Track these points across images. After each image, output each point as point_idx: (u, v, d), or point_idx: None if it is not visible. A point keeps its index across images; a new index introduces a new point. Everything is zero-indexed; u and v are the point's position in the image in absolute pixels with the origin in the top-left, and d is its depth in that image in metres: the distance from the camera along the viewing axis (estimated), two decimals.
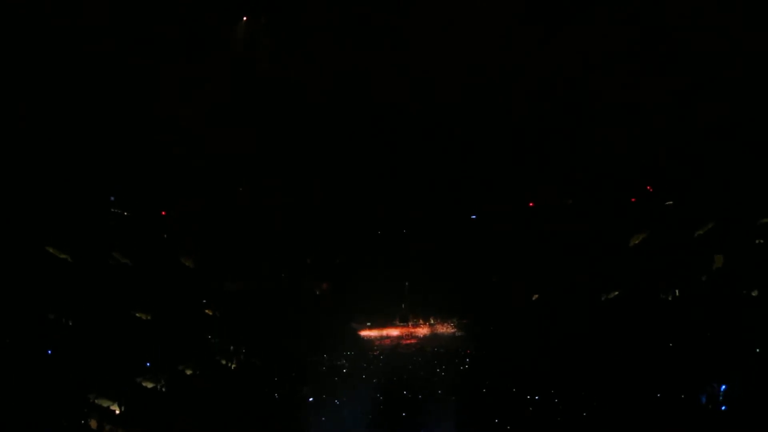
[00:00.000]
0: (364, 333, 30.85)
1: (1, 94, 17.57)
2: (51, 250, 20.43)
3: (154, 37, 18.28)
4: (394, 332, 30.95)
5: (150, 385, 22.31)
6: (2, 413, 17.40)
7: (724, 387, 21.24)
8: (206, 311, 26.00)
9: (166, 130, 21.23)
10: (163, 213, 23.92)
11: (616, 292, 24.96)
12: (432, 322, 30.91)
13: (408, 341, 30.48)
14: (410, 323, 30.81)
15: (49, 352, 19.28)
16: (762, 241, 21.69)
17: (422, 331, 30.72)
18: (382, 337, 30.84)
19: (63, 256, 20.71)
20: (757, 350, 20.14)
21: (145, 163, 21.74)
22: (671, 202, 23.81)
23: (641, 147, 22.26)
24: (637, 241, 24.45)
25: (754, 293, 21.24)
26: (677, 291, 23.73)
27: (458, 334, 30.12)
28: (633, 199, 24.46)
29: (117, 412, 20.88)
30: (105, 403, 20.70)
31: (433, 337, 30.50)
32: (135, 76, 19.19)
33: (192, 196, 23.84)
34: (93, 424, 20.26)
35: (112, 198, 22.23)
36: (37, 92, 18.41)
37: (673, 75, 20.07)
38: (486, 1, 19.89)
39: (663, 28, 19.14)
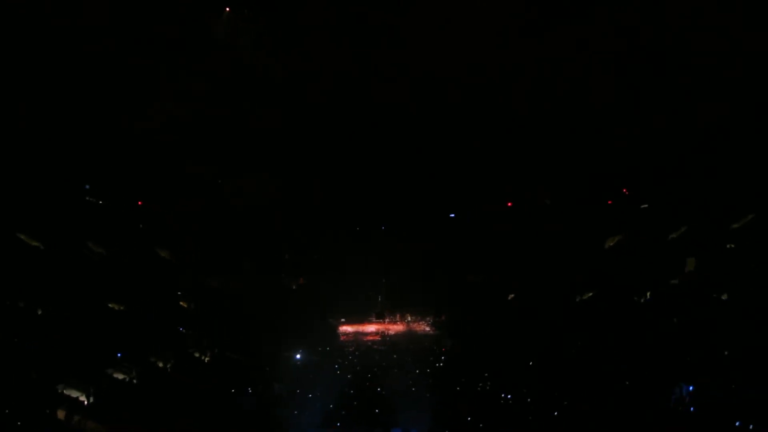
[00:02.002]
0: (340, 329, 30.82)
1: None
2: (22, 237, 20.09)
3: (153, 35, 18.11)
4: (370, 329, 30.97)
5: (121, 377, 22.03)
6: None
7: (691, 388, 21.54)
8: (181, 303, 25.73)
9: (152, 122, 21.02)
10: (140, 203, 23.64)
11: (591, 293, 25.20)
12: (408, 319, 30.96)
13: (383, 338, 30.49)
14: (386, 320, 30.84)
15: (17, 340, 18.93)
16: (733, 245, 22.02)
17: (398, 328, 30.78)
18: (357, 334, 30.83)
19: (35, 243, 20.37)
20: (726, 353, 20.43)
21: (123, 153, 21.47)
22: (646, 205, 24.09)
23: (618, 150, 22.50)
24: (612, 243, 24.71)
25: (724, 296, 21.56)
26: (649, 293, 24.02)
27: (434, 332, 30.23)
28: (609, 201, 24.72)
29: (86, 402, 20.59)
30: (74, 394, 20.41)
31: (409, 335, 30.55)
32: (127, 71, 19.00)
33: (173, 189, 23.59)
34: (61, 414, 19.95)
35: (87, 186, 21.92)
36: (21, 84, 18.16)
37: (654, 79, 20.29)
38: (481, 1, 19.93)
39: (646, 32, 19.35)
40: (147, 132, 20.63)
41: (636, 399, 22.27)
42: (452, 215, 26.90)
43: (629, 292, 24.36)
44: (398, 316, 31.22)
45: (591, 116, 22.03)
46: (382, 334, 30.73)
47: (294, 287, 28.73)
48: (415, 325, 30.87)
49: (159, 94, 20.00)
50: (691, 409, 21.24)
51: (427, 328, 30.68)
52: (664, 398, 21.94)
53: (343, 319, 30.85)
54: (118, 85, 18.86)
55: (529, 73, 20.80)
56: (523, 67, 20.51)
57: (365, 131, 23.63)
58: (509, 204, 25.80)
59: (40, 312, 20.59)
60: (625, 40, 18.54)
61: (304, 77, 20.70)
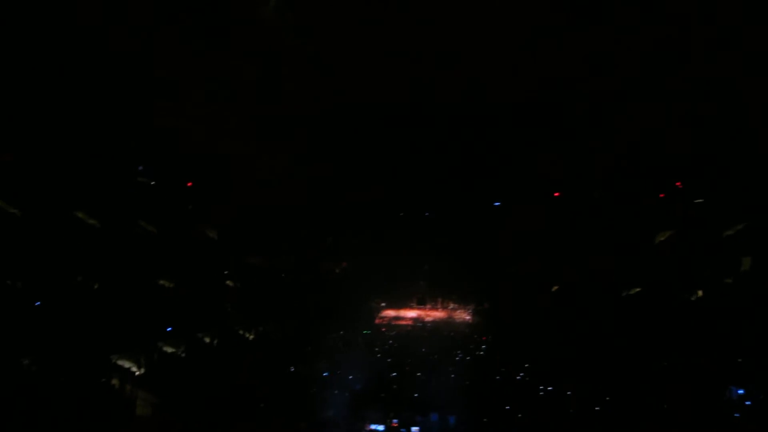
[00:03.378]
0: (381, 313, 31.07)
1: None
2: (80, 216, 21.06)
3: (198, 19, 18.39)
4: (410, 314, 31.09)
5: (170, 350, 23.03)
6: (29, 369, 18.22)
7: (741, 391, 20.86)
8: (227, 282, 26.51)
9: (189, 106, 21.48)
10: (189, 184, 24.32)
11: (638, 289, 24.47)
12: (449, 306, 30.91)
13: (424, 324, 30.59)
14: (427, 306, 30.89)
15: (75, 313, 19.97)
16: None
17: (439, 314, 30.78)
18: (398, 318, 31.01)
19: (92, 221, 21.33)
20: None
21: (172, 136, 22.07)
22: (701, 200, 23.04)
23: (673, 142, 21.52)
24: (663, 238, 23.81)
25: None
26: (701, 291, 23.12)
27: (475, 319, 30.11)
28: (662, 195, 23.75)
29: (137, 373, 21.65)
30: (126, 364, 21.49)
31: (450, 321, 30.54)
32: (171, 56, 19.43)
33: (219, 171, 24.11)
34: (115, 383, 21.11)
35: (140, 168, 22.70)
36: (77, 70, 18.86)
37: (711, 68, 19.24)
38: None
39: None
40: (193, 116, 21.09)
41: (682, 399, 21.72)
42: (497, 203, 26.47)
43: (679, 290, 23.53)
44: (439, 302, 31.17)
45: (644, 106, 21.10)
46: (423, 320, 30.82)
47: (336, 270, 29.07)
48: (457, 312, 30.78)
49: (205, 79, 20.35)
50: (739, 413, 20.63)
51: (469, 316, 30.54)
52: (711, 400, 21.34)
53: (383, 304, 31.06)
54: (165, 70, 19.31)
55: (580, 58, 20.04)
56: (572, 52, 19.77)
57: (409, 113, 23.41)
58: (556, 194, 25.16)
59: (96, 286, 21.63)
60: (675, 27, 17.58)
61: (354, 58, 20.60)
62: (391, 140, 24.45)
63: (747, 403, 20.21)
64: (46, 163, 19.94)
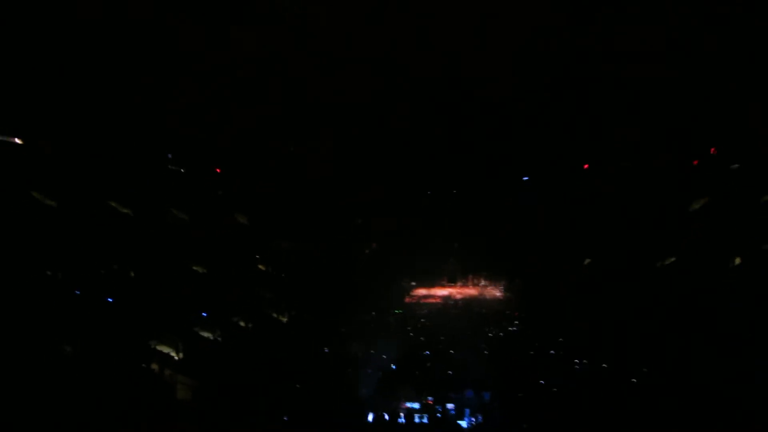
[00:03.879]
0: (412, 292, 31.09)
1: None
2: (114, 205, 21.43)
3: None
4: (441, 292, 31.03)
5: (206, 335, 23.41)
6: (70, 355, 18.67)
7: None
8: (259, 266, 26.78)
9: (219, 94, 21.58)
10: (218, 170, 24.54)
11: (673, 259, 24.05)
12: (480, 283, 30.79)
13: (455, 301, 30.52)
14: (459, 283, 30.80)
15: (111, 300, 20.40)
16: None
17: (470, 291, 30.68)
18: (429, 297, 30.99)
19: (125, 210, 21.69)
20: None
21: (200, 124, 22.26)
22: (737, 165, 22.48)
23: (704, 107, 21.00)
24: (697, 206, 23.32)
25: None
26: (739, 259, 22.64)
27: (507, 295, 29.95)
28: (695, 162, 23.22)
29: (176, 358, 22.06)
30: (165, 350, 21.91)
31: (481, 298, 30.41)
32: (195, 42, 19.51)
33: (246, 156, 24.29)
34: (154, 368, 21.55)
35: (170, 155, 22.96)
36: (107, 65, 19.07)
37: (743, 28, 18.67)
38: None
39: None
40: (220, 102, 21.22)
41: (721, 373, 21.35)
42: (526, 178, 26.19)
43: (716, 258, 23.07)
44: (470, 279, 31.04)
45: (673, 70, 20.60)
46: (454, 298, 30.76)
47: (367, 251, 29.13)
48: (488, 288, 30.65)
49: (234, 64, 20.42)
50: None
51: (500, 292, 30.40)
52: (755, 374, 20.93)
53: (414, 283, 31.05)
54: (190, 59, 19.43)
55: (606, 27, 19.63)
56: (599, 22, 19.37)
57: (435, 95, 23.22)
58: (585, 166, 24.78)
59: (132, 274, 22.05)
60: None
61: (380, 44, 20.50)
62: (418, 120, 24.34)
63: None
64: (80, 155, 20.27)
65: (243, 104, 21.59)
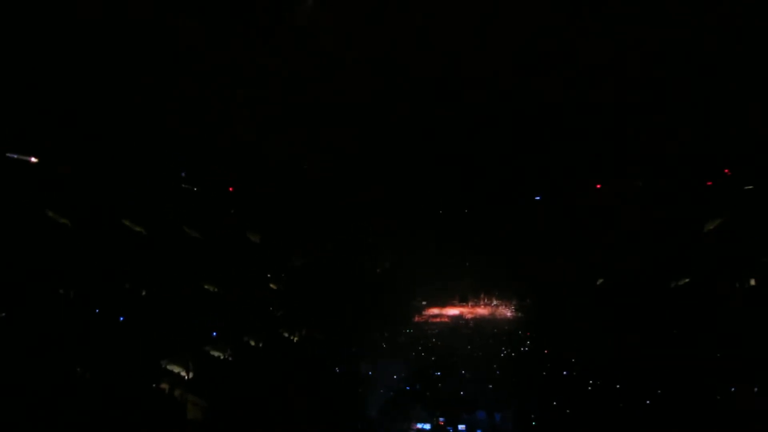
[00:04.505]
0: (424, 311, 30.94)
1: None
2: (127, 223, 21.40)
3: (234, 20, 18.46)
4: (453, 311, 30.87)
5: (217, 354, 23.25)
6: (82, 374, 18.53)
7: None
8: (271, 285, 26.64)
9: (232, 114, 21.62)
10: (231, 189, 24.52)
11: (687, 279, 23.87)
12: (492, 302, 30.63)
13: (467, 321, 30.35)
14: (470, 303, 30.64)
15: (122, 318, 20.29)
16: None
17: (481, 311, 30.52)
18: (441, 316, 30.82)
19: (138, 228, 21.66)
20: None
21: (213, 142, 22.27)
22: (751, 186, 22.37)
23: (719, 128, 20.95)
24: (712, 227, 23.18)
25: None
26: (753, 280, 22.47)
27: (518, 315, 29.78)
28: (709, 183, 23.13)
29: (186, 377, 21.90)
30: (175, 369, 21.75)
31: (493, 318, 30.24)
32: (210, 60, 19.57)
33: (261, 175, 24.24)
34: (164, 387, 21.37)
35: (183, 174, 22.95)
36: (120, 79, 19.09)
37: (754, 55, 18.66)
38: None
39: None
40: (232, 120, 21.22)
41: (735, 393, 21.16)
42: (538, 198, 26.12)
43: (729, 279, 22.90)
44: (482, 299, 30.91)
45: (687, 90, 20.57)
46: (466, 317, 30.59)
47: (378, 270, 29.03)
48: (500, 309, 30.48)
49: (243, 83, 20.44)
50: None
51: (512, 313, 30.22)
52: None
53: (425, 302, 30.91)
54: (204, 76, 19.43)
55: (621, 44, 19.60)
56: (613, 38, 19.34)
57: (445, 113, 23.20)
58: (598, 186, 24.69)
59: (144, 293, 21.95)
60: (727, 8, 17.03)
61: (387, 57, 20.48)
62: (427, 141, 24.30)
63: None
64: (94, 174, 20.27)
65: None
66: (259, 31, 17.99)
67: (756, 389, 20.48)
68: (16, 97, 17.83)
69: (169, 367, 21.71)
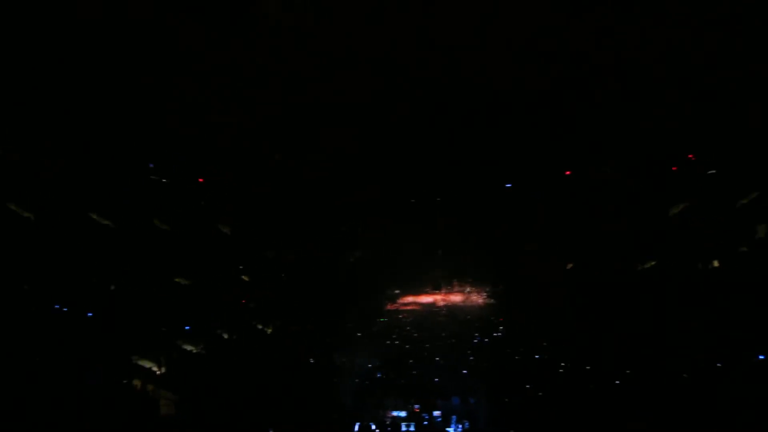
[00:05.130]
0: (398, 300, 31.01)
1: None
2: (94, 217, 20.86)
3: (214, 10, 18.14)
4: (426, 299, 30.99)
5: (190, 348, 22.94)
6: (47, 372, 18.10)
7: (762, 357, 21.05)
8: (243, 277, 26.39)
9: (202, 100, 21.26)
10: (201, 180, 24.09)
11: (653, 263, 24.54)
12: (465, 289, 30.87)
13: (440, 308, 30.55)
14: (443, 291, 30.82)
15: (90, 314, 19.89)
16: None
17: (455, 298, 30.71)
18: (415, 304, 30.93)
19: (105, 222, 21.14)
20: None
21: (181, 131, 21.82)
22: (714, 171, 23.08)
23: (682, 113, 21.52)
24: (677, 211, 23.85)
25: None
26: (717, 262, 23.22)
27: (491, 302, 30.09)
28: (674, 168, 23.76)
29: (158, 373, 21.56)
30: (147, 365, 21.40)
31: (466, 305, 30.48)
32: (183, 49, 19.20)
33: (230, 164, 23.89)
34: (136, 384, 21.01)
35: (151, 165, 22.45)
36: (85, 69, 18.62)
37: (719, 39, 19.22)
38: None
39: None
40: (203, 111, 20.87)
41: (703, 372, 21.89)
42: (509, 185, 26.37)
43: (695, 261, 23.63)
44: (455, 286, 31.10)
45: (653, 78, 21.07)
46: (439, 305, 30.77)
47: (351, 259, 28.97)
48: (473, 295, 30.73)
49: (216, 73, 20.12)
50: (761, 379, 20.73)
51: (486, 299, 30.52)
52: (733, 369, 21.49)
53: (396, 291, 30.95)
54: (175, 64, 19.04)
55: (585, 28, 19.95)
56: (579, 23, 19.67)
57: (416, 102, 23.25)
58: (567, 173, 25.09)
59: (112, 287, 21.46)
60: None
61: (358, 53, 20.44)
62: (397, 128, 24.30)
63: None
64: (57, 165, 19.70)
65: (223, 112, 21.27)
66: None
67: (720, 366, 21.28)
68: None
69: (140, 362, 21.35)
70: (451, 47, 19.36)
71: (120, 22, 17.15)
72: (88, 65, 18.36)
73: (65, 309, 20.25)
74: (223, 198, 24.32)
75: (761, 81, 19.15)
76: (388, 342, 28.05)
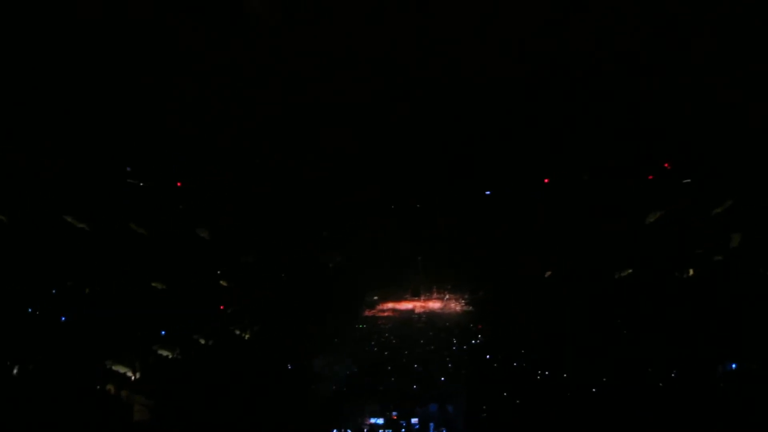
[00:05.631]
0: (377, 306, 30.95)
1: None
2: (69, 219, 20.70)
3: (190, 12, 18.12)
4: (406, 306, 30.96)
5: (165, 353, 22.73)
6: (21, 377, 17.88)
7: (734, 366, 21.30)
8: (221, 282, 26.25)
9: (183, 104, 21.21)
10: (179, 184, 23.97)
11: (630, 270, 24.81)
12: (444, 296, 30.91)
13: (420, 315, 30.54)
14: (422, 297, 30.84)
15: (64, 318, 19.70)
16: None
17: (434, 305, 30.73)
18: (394, 311, 30.88)
19: (81, 225, 20.97)
20: None
21: (161, 134, 21.73)
22: (689, 180, 23.45)
23: (659, 124, 21.84)
24: (653, 219, 24.17)
25: None
26: (692, 270, 23.54)
27: (470, 309, 30.14)
28: (650, 177, 24.10)
29: (133, 378, 21.35)
30: (122, 370, 21.18)
31: (445, 312, 30.51)
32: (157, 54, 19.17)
33: (208, 168, 23.82)
34: (110, 389, 20.79)
35: (129, 169, 22.32)
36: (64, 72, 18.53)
37: (696, 50, 19.56)
38: None
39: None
40: (182, 114, 20.82)
41: (678, 377, 22.09)
42: (488, 192, 26.55)
43: (670, 269, 23.92)
44: (434, 293, 31.12)
45: (631, 89, 21.37)
46: (418, 312, 30.76)
47: (331, 265, 28.92)
48: (452, 302, 30.76)
49: (195, 76, 20.09)
50: (733, 387, 21.01)
51: (464, 306, 30.56)
52: (706, 377, 21.72)
53: (375, 297, 30.89)
54: (155, 68, 19.00)
55: (567, 40, 20.16)
56: (561, 35, 19.87)
57: (398, 107, 23.35)
58: (546, 180, 25.33)
59: (87, 291, 21.26)
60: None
61: (339, 58, 20.51)
62: (380, 135, 24.38)
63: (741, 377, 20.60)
64: (33, 167, 19.55)
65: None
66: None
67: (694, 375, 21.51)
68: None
69: (114, 367, 21.12)
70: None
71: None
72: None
73: (38, 312, 20.03)
74: (202, 202, 24.24)
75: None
76: (367, 348, 27.96)
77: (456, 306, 30.41)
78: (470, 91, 21.40)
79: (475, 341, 28.33)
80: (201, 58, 18.76)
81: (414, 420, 24.70)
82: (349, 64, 19.84)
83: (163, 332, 23.03)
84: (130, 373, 21.40)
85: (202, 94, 20.61)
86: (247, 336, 25.97)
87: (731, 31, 17.72)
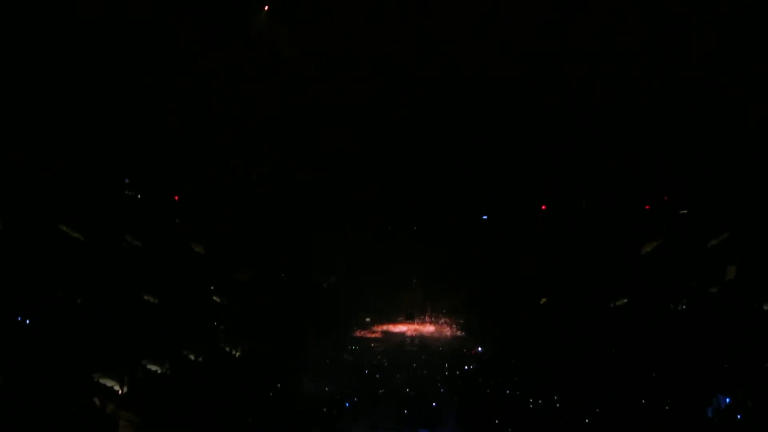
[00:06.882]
0: (369, 328, 30.71)
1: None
2: (64, 229, 20.60)
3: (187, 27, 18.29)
4: (399, 329, 30.73)
5: (154, 368, 22.44)
6: (5, 388, 17.59)
7: (728, 400, 21.13)
8: (214, 298, 26.08)
9: (180, 117, 21.29)
10: (176, 198, 23.96)
11: (625, 300, 24.76)
12: (438, 320, 30.72)
13: (412, 339, 30.30)
14: (416, 321, 30.62)
15: (56, 329, 19.46)
16: None
17: (428, 329, 30.51)
18: (386, 333, 30.63)
19: (75, 235, 20.86)
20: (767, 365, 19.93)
21: (159, 147, 21.78)
22: (686, 211, 23.56)
23: (658, 154, 22.01)
24: (649, 249, 24.20)
25: (766, 307, 20.98)
26: (686, 301, 23.50)
27: (464, 334, 29.95)
28: (647, 207, 24.20)
29: (120, 392, 21.03)
30: (109, 383, 20.86)
31: (439, 336, 30.28)
32: (152, 66, 19.29)
33: (208, 169, 23.77)
34: (96, 402, 20.43)
35: (127, 180, 22.32)
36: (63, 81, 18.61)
37: (694, 79, 19.76)
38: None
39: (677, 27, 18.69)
40: (182, 114, 20.87)
41: (672, 409, 21.89)
42: (485, 217, 26.60)
43: (666, 300, 23.87)
44: (428, 316, 30.92)
45: (630, 119, 21.58)
46: (411, 335, 30.53)
47: (325, 285, 28.77)
48: (446, 326, 30.56)
49: (195, 76, 20.19)
50: (728, 420, 20.81)
51: (458, 331, 30.37)
52: (700, 409, 21.53)
53: (368, 319, 30.64)
54: (155, 68, 19.09)
55: (565, 70, 20.36)
56: (559, 64, 20.08)
57: (397, 128, 23.47)
58: (543, 207, 25.41)
59: (78, 301, 21.06)
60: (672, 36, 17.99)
61: (335, 67, 20.62)
62: (377, 155, 24.45)
63: (738, 410, 20.41)
64: (28, 174, 19.51)
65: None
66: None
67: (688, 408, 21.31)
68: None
69: (101, 380, 20.79)
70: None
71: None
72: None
73: (27, 321, 19.80)
74: (200, 208, 24.15)
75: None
76: (358, 370, 27.67)
77: (450, 330, 30.21)
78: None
79: (469, 367, 28.11)
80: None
81: None
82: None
83: (153, 346, 22.75)
84: (117, 387, 21.06)
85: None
86: (237, 353, 25.71)
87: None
